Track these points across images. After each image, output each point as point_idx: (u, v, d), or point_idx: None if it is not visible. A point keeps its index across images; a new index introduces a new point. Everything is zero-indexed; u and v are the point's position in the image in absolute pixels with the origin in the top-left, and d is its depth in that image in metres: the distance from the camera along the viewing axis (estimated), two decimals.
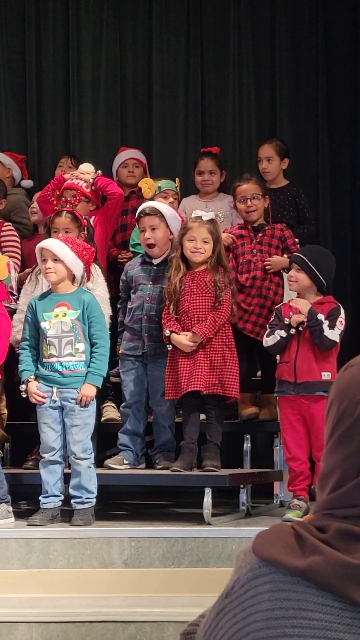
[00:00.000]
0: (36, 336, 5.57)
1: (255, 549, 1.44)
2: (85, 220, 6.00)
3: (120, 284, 6.15)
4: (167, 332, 5.68)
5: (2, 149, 7.76)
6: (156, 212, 6.00)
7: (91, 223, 6.13)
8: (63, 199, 6.10)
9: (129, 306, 6.03)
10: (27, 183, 7.67)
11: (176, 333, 5.66)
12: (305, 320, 5.53)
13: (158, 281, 5.98)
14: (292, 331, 5.58)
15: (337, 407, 1.43)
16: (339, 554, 1.36)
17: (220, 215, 6.56)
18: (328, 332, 5.51)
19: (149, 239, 6.00)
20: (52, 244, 5.53)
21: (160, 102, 8.04)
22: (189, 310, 5.71)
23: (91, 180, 6.36)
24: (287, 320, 5.59)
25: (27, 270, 6.48)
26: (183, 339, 5.64)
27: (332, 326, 5.52)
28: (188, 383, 5.59)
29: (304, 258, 5.62)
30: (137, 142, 7.83)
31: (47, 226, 6.07)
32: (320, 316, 5.54)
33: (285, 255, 6.24)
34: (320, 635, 1.35)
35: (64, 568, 5.13)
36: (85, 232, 5.95)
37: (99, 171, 6.43)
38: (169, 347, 5.69)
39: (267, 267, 6.23)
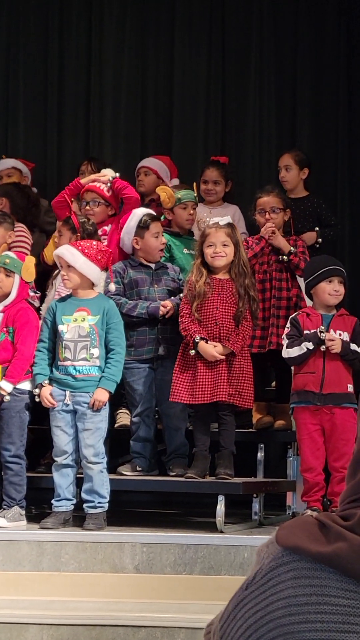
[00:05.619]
0: (53, 339, 5.58)
1: (278, 539, 1.44)
2: (77, 221, 5.96)
3: (116, 286, 5.90)
4: (197, 339, 5.55)
5: (17, 156, 7.75)
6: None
7: (88, 220, 6.05)
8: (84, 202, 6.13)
9: (135, 310, 5.87)
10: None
11: (205, 341, 5.62)
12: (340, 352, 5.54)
13: (160, 283, 6.00)
14: (323, 347, 5.53)
15: None
16: None
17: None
18: None
19: (164, 243, 6.06)
20: (63, 251, 5.57)
21: (180, 112, 8.04)
22: (218, 317, 5.64)
23: (110, 178, 6.31)
24: (323, 335, 5.54)
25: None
26: (213, 350, 5.56)
27: None
28: (212, 393, 5.55)
29: (344, 271, 5.64)
30: (157, 151, 7.82)
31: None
32: (353, 346, 5.55)
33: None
34: (343, 621, 1.35)
35: (75, 572, 5.12)
36: (79, 234, 5.87)
37: (117, 174, 6.39)
38: (192, 352, 5.55)
39: (269, 232, 6.13)
